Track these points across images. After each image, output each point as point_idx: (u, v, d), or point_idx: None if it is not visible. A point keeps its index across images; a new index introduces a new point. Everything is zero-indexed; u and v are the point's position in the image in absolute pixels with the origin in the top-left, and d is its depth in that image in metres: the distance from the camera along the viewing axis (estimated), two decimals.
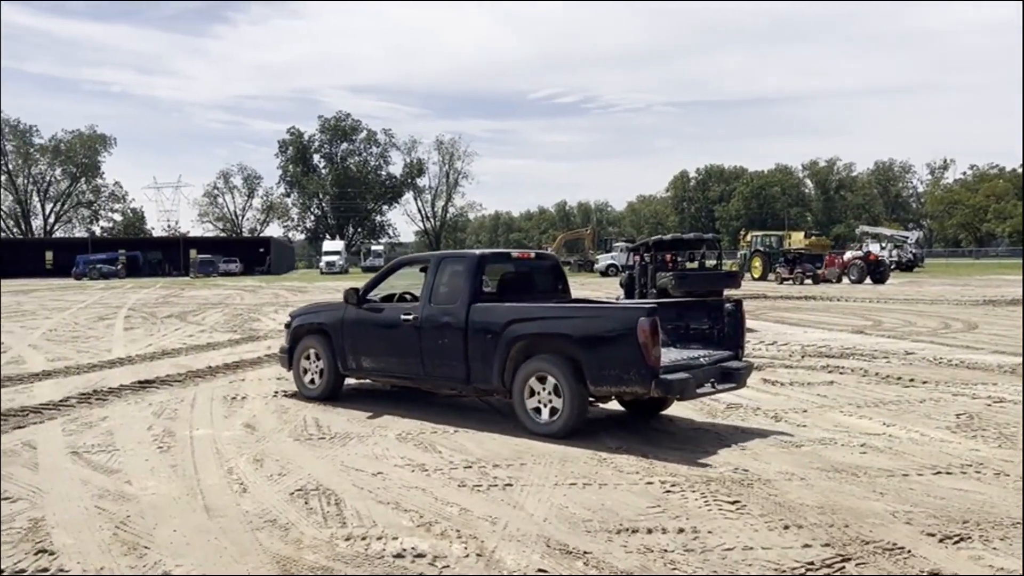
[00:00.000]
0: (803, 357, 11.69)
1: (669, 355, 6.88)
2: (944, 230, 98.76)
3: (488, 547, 4.31)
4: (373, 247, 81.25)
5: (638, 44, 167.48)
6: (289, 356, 8.98)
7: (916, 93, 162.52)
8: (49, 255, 74.58)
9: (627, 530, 4.54)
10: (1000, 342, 13.24)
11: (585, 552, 4.22)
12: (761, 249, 42.14)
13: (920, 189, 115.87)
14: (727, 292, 17.77)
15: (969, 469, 5.75)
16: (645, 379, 6.30)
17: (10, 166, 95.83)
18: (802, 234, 50.36)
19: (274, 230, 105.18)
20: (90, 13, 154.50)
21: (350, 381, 8.96)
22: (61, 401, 8.56)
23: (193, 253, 69.53)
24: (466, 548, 4.30)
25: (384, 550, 4.29)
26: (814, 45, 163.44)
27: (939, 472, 5.68)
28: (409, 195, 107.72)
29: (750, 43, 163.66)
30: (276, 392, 9.15)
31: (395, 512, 4.91)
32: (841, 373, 10.16)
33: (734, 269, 32.32)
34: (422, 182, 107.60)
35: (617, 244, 55.39)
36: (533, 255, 8.94)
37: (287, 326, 9.24)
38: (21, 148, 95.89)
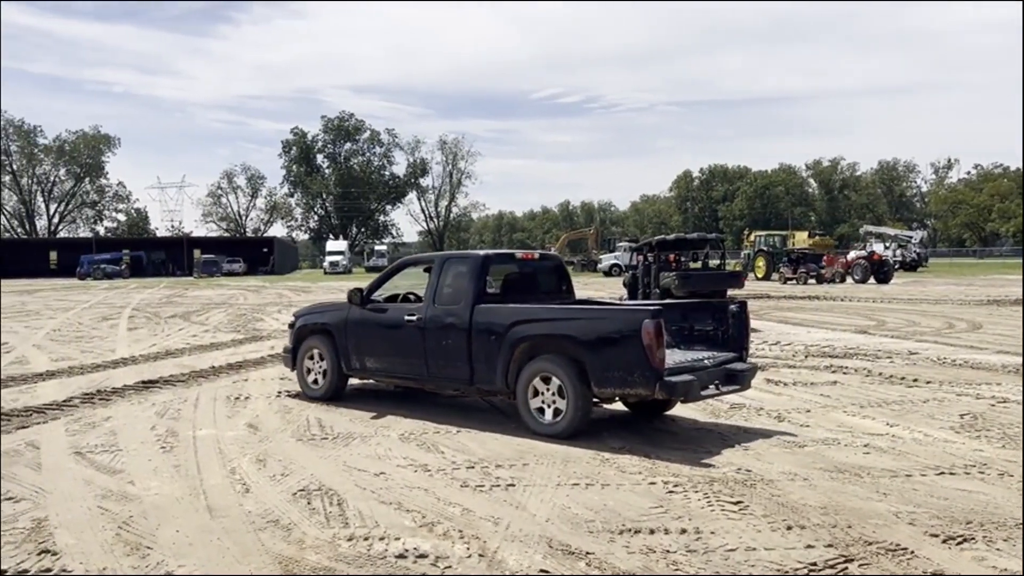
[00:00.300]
0: (806, 357, 11.67)
1: (673, 356, 6.87)
2: (948, 230, 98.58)
3: (490, 547, 4.31)
4: (377, 247, 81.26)
5: (640, 44, 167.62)
6: (293, 356, 8.98)
7: (919, 93, 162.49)
8: (53, 255, 74.71)
9: (629, 530, 4.54)
10: (1004, 342, 13.21)
11: (587, 553, 4.22)
12: (765, 249, 42.12)
13: (924, 189, 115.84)
14: (731, 292, 17.75)
15: (973, 470, 5.73)
16: (649, 381, 6.29)
17: (14, 166, 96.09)
18: (806, 234, 50.36)
19: (278, 230, 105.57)
20: (93, 13, 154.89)
21: (353, 381, 8.96)
22: (64, 401, 8.57)
23: (197, 253, 69.61)
24: (468, 549, 4.30)
25: (386, 550, 4.29)
26: (816, 45, 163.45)
27: (942, 473, 5.67)
28: (412, 195, 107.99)
29: (753, 43, 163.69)
30: (279, 392, 9.16)
31: (397, 512, 4.91)
32: (844, 373, 10.14)
33: (737, 269, 32.31)
34: (425, 182, 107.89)
35: (621, 244, 55.36)
36: (537, 256, 8.94)
37: (291, 326, 9.25)
38: (25, 148, 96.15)
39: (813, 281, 35.00)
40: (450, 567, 4.09)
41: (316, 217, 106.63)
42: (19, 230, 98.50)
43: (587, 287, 30.59)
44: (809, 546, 4.29)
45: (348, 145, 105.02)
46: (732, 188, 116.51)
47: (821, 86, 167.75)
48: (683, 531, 4.52)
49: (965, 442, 6.57)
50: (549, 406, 6.82)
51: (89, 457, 6.32)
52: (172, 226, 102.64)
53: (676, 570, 4.01)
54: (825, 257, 36.82)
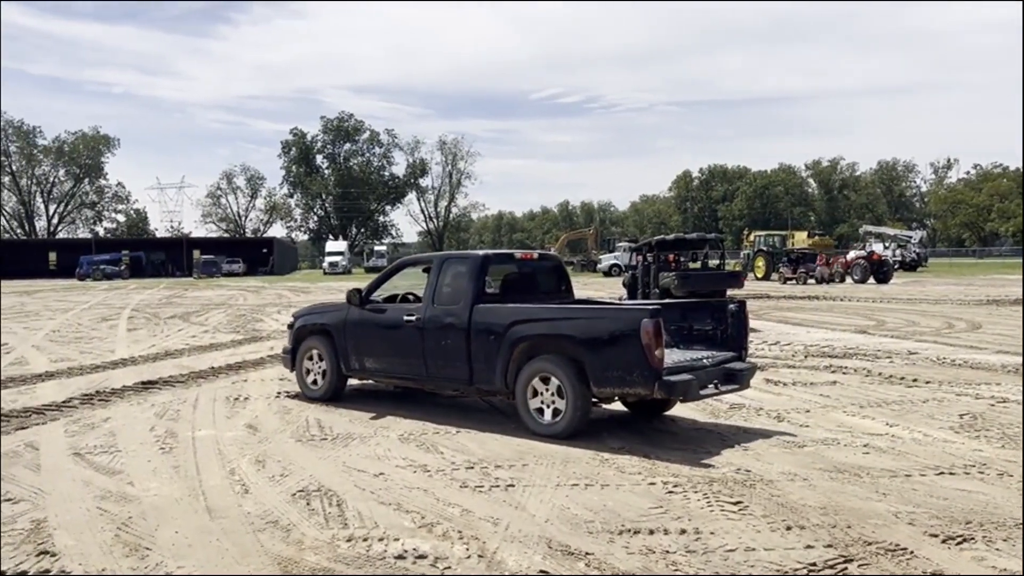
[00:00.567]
0: (806, 357, 11.67)
1: (672, 356, 6.87)
2: (948, 229, 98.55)
3: (490, 548, 4.31)
4: (376, 247, 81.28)
5: (640, 44, 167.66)
6: (292, 357, 8.98)
7: (919, 92, 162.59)
8: (53, 256, 74.75)
9: (629, 531, 4.53)
10: (1004, 342, 13.20)
11: (587, 553, 4.22)
12: (764, 249, 42.13)
13: (924, 189, 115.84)
14: (730, 292, 17.75)
15: (972, 470, 5.73)
16: (648, 380, 6.29)
17: (14, 167, 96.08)
18: (805, 234, 50.37)
19: (277, 231, 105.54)
20: (92, 14, 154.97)
21: (352, 381, 8.95)
22: (64, 402, 8.57)
23: (196, 254, 69.68)
24: (468, 549, 4.30)
25: (386, 551, 4.29)
26: (816, 45, 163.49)
27: (942, 473, 5.67)
28: (412, 195, 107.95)
29: (752, 43, 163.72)
30: (278, 393, 9.16)
31: (397, 513, 4.91)
32: (844, 373, 10.13)
33: (737, 269, 32.31)
34: (425, 182, 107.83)
35: (620, 244, 55.37)
36: (536, 256, 8.94)
37: (290, 327, 9.24)
38: (25, 149, 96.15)
39: (812, 281, 35.03)
40: (449, 568, 4.08)
41: (315, 217, 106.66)
42: (18, 231, 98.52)
43: (587, 287, 30.58)
44: (808, 546, 4.29)
45: (347, 145, 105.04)
46: (732, 188, 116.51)
47: (821, 86, 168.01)
48: (683, 531, 4.52)
49: (965, 442, 6.56)
50: (548, 406, 6.82)
51: (88, 458, 6.32)
52: (171, 227, 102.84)
53: (675, 570, 4.01)
54: (819, 258, 36.77)
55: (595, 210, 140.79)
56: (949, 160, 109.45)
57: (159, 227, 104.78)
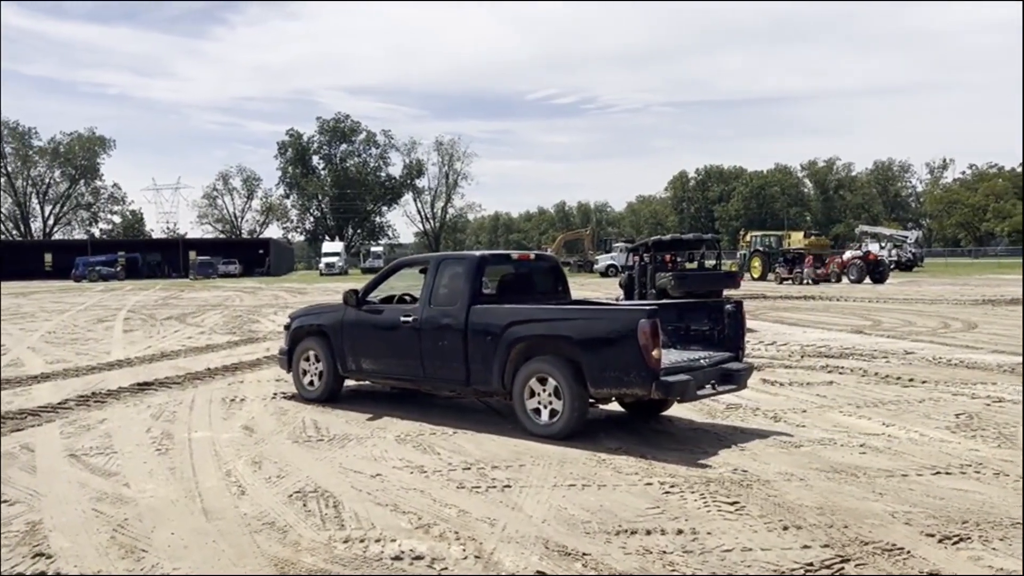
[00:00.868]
0: (802, 357, 11.68)
1: (669, 356, 6.87)
2: (943, 229, 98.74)
3: (487, 549, 4.31)
4: (373, 248, 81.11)
5: (636, 44, 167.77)
6: (288, 358, 8.96)
7: (915, 93, 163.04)
8: (48, 257, 74.61)
9: (626, 531, 4.53)
10: (999, 342, 13.23)
11: (584, 553, 4.21)
12: (760, 249, 42.14)
13: (919, 189, 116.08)
14: (726, 292, 17.76)
15: (968, 469, 5.74)
16: (645, 381, 6.29)
17: (9, 168, 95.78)
18: (801, 234, 50.33)
19: (273, 231, 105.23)
20: (87, 15, 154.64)
21: (349, 382, 8.94)
22: (59, 403, 8.55)
23: (192, 255, 69.50)
24: (465, 550, 4.30)
25: (382, 552, 4.28)
26: (813, 45, 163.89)
27: (938, 472, 5.68)
28: (408, 196, 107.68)
29: (749, 43, 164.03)
30: (275, 394, 9.14)
31: (393, 514, 4.90)
32: (840, 373, 10.15)
33: (733, 269, 32.33)
34: (421, 183, 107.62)
35: (617, 245, 55.41)
36: (533, 256, 8.94)
37: (286, 328, 9.23)
38: (20, 150, 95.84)
39: (809, 281, 35.07)
40: (446, 568, 4.08)
41: (312, 218, 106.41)
42: (14, 232, 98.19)
43: (583, 288, 30.58)
44: (805, 546, 4.29)
45: (344, 146, 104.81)
46: (728, 188, 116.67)
47: (816, 86, 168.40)
48: (679, 532, 4.52)
49: (961, 442, 6.58)
50: (545, 407, 6.82)
51: (84, 460, 6.30)
52: (168, 228, 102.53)
53: (672, 571, 4.01)
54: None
55: (592, 210, 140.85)
56: (945, 160, 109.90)
57: (155, 228, 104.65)
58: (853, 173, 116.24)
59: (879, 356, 11.61)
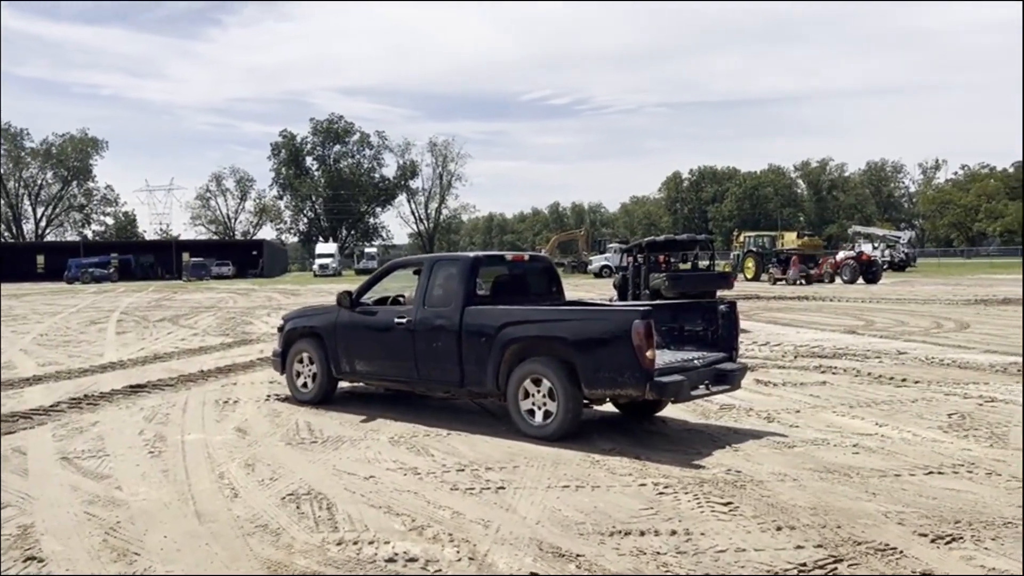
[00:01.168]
0: (796, 357, 11.71)
1: (663, 357, 6.88)
2: (936, 230, 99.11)
3: (480, 550, 4.30)
4: (366, 249, 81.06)
5: (630, 45, 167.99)
6: (282, 360, 8.93)
7: (908, 93, 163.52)
8: (41, 259, 74.20)
9: (620, 532, 4.53)
10: (992, 341, 13.28)
11: (578, 555, 4.21)
12: (754, 250, 42.23)
13: (912, 189, 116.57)
14: (720, 293, 17.80)
15: (961, 469, 5.76)
16: (640, 381, 6.29)
17: (1, 170, 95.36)
18: (795, 234, 50.49)
19: (267, 233, 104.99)
20: (80, 16, 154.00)
21: (343, 384, 8.93)
22: (52, 406, 8.51)
23: (185, 256, 69.33)
24: (458, 552, 4.29)
25: (376, 554, 4.28)
26: (806, 46, 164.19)
27: (931, 472, 5.69)
28: (402, 197, 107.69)
29: (742, 44, 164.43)
30: (268, 396, 9.12)
31: (387, 516, 4.89)
32: (834, 373, 10.17)
33: (727, 270, 32.39)
34: (415, 184, 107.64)
35: (611, 245, 55.39)
36: (527, 257, 8.94)
37: (280, 329, 9.20)
38: (12, 152, 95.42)
39: (802, 281, 35.15)
40: (440, 570, 4.08)
41: (305, 220, 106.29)
42: (6, 234, 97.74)
43: (578, 288, 30.59)
44: (799, 547, 4.30)
45: (337, 147, 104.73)
46: (721, 189, 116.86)
47: (811, 87, 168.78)
48: (673, 532, 4.52)
49: (953, 441, 6.60)
50: (540, 408, 6.81)
51: (76, 462, 6.27)
52: (161, 229, 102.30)
53: (666, 571, 4.01)
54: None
55: (585, 211, 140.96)
56: (937, 161, 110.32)
57: (148, 230, 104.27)
58: (846, 174, 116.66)
59: (872, 356, 11.65)
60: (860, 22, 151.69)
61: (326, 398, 8.56)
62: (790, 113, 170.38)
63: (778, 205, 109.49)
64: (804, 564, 4.06)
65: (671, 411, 7.67)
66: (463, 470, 5.89)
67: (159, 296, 35.37)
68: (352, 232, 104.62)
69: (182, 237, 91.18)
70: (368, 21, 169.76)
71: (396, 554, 4.27)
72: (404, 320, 7.76)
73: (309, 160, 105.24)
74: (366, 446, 6.69)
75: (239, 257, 72.26)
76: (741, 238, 46.21)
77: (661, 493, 5.25)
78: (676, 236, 23.14)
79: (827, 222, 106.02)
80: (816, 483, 5.45)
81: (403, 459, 6.24)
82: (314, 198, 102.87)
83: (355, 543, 4.44)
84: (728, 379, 7.16)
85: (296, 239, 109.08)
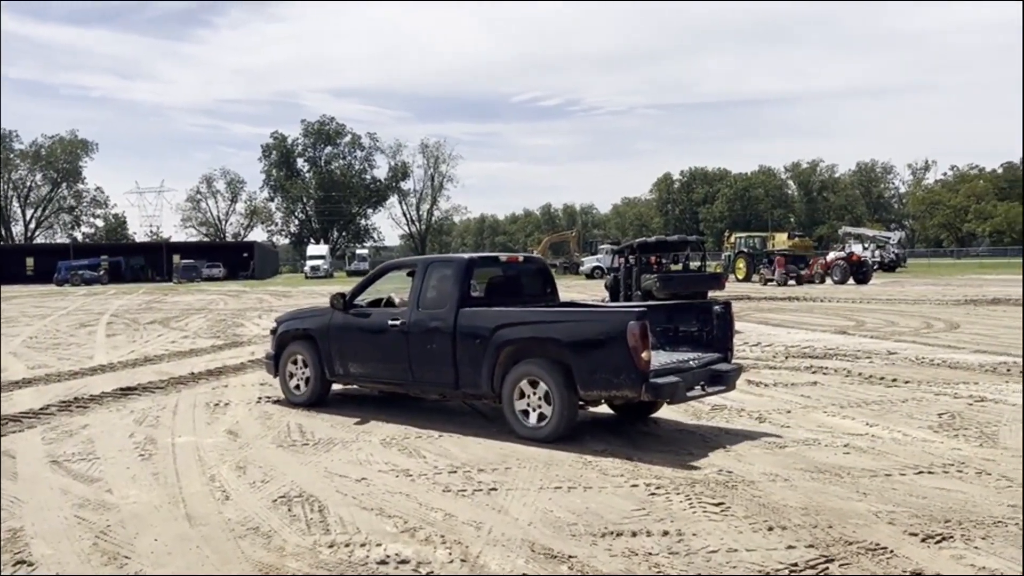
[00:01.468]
0: (787, 358, 11.74)
1: (659, 358, 6.87)
2: (925, 230, 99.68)
3: (472, 552, 4.30)
4: (358, 251, 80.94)
5: (620, 46, 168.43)
6: (275, 362, 8.90)
7: (897, 94, 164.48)
8: (30, 261, 73.86)
9: (612, 533, 4.54)
10: (981, 341, 13.35)
11: (570, 556, 4.22)
12: (745, 250, 42.34)
13: (902, 190, 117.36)
14: (711, 294, 17.85)
15: (951, 468, 5.79)
16: (635, 383, 6.28)
17: None
18: (785, 235, 50.66)
19: (258, 235, 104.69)
20: (68, 17, 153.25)
21: (335, 386, 8.90)
22: (41, 409, 8.46)
23: (176, 258, 69.08)
24: (450, 553, 4.29)
25: (368, 557, 4.27)
26: (796, 47, 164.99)
27: (921, 472, 5.72)
28: (394, 199, 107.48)
29: (732, 45, 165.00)
30: (259, 398, 9.09)
31: (379, 518, 4.88)
32: (824, 374, 10.21)
33: (718, 271, 32.46)
34: (407, 186, 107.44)
35: (602, 246, 55.46)
36: (521, 259, 8.92)
37: (273, 332, 9.17)
38: (1, 154, 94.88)
39: (793, 282, 35.27)
40: (432, 572, 4.07)
41: (296, 221, 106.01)
42: None
43: (569, 290, 30.61)
44: (790, 547, 4.31)
45: (328, 149, 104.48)
46: (712, 190, 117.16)
47: (802, 88, 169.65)
48: (665, 533, 4.53)
49: (943, 441, 6.63)
50: (535, 409, 6.79)
51: (66, 466, 6.24)
52: (151, 231, 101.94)
53: (658, 572, 4.02)
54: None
55: (577, 212, 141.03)
56: (927, 162, 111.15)
57: (138, 232, 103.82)
58: (836, 174, 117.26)
59: (862, 356, 11.69)
60: (850, 23, 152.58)
61: (320, 401, 8.53)
62: (780, 114, 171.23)
63: (769, 206, 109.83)
64: (795, 564, 4.07)
65: (663, 412, 7.68)
66: (455, 472, 5.88)
67: (149, 298, 35.22)
68: (343, 234, 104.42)
69: (173, 239, 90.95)
70: (359, 22, 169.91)
71: (388, 556, 4.26)
72: (398, 322, 7.74)
73: (300, 162, 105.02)
74: (358, 448, 6.68)
75: (230, 259, 72.05)
76: (732, 239, 46.30)
77: (653, 494, 5.26)
78: (667, 237, 23.21)
79: (817, 223, 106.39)
80: (807, 483, 5.47)
81: (395, 461, 6.23)
82: (305, 200, 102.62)
83: (347, 545, 4.43)
84: (723, 380, 7.17)
85: (287, 241, 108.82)
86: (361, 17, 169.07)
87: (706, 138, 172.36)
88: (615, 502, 5.11)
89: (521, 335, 6.97)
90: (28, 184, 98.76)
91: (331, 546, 4.42)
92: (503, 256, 8.87)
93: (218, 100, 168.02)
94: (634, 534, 4.52)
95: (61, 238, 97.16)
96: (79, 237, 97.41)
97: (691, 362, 7.04)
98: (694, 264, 21.33)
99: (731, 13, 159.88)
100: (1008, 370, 10.11)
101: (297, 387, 8.64)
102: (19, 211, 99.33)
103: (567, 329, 6.74)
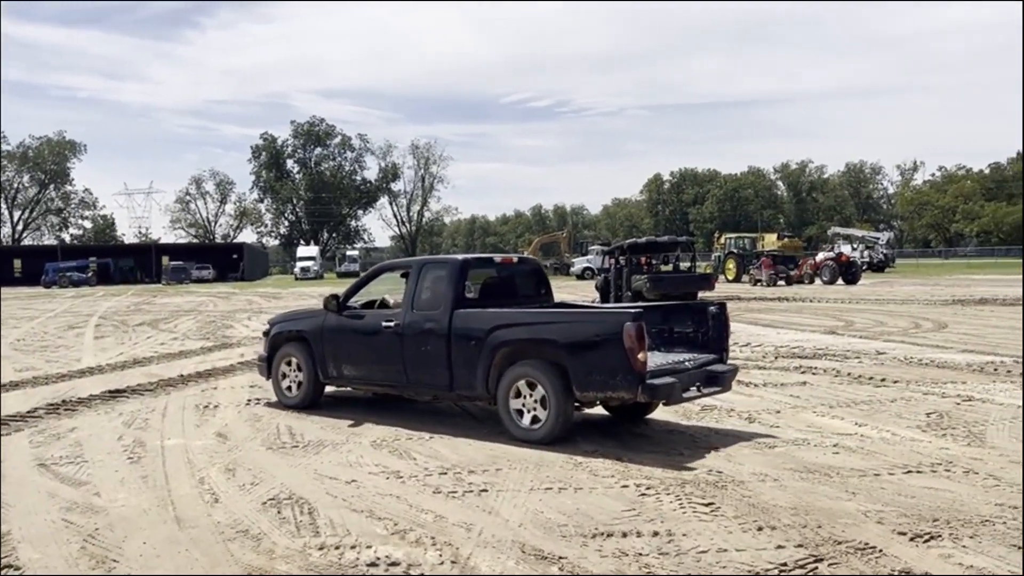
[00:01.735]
0: (776, 358, 11.78)
1: (654, 359, 6.85)
2: (914, 231, 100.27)
3: (463, 554, 4.29)
4: (348, 252, 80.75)
5: (610, 47, 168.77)
6: (268, 364, 8.83)
7: (886, 95, 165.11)
8: (18, 263, 73.32)
9: (602, 534, 4.54)
10: (969, 341, 13.44)
11: (560, 557, 4.22)
12: (735, 251, 42.48)
13: (890, 190, 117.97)
14: (701, 294, 17.90)
15: (939, 468, 5.82)
16: (632, 384, 6.28)
17: None
18: (775, 236, 50.84)
19: (247, 236, 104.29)
20: (56, 17, 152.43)
21: (327, 388, 8.87)
22: (28, 412, 8.40)
23: (165, 260, 68.72)
24: (441, 555, 4.28)
25: (358, 559, 4.26)
26: (785, 48, 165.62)
27: (910, 471, 5.75)
28: (384, 200, 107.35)
29: (722, 46, 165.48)
30: (249, 400, 9.06)
31: (369, 520, 4.87)
32: (814, 374, 10.25)
33: (708, 271, 32.54)
34: (397, 187, 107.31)
35: (593, 247, 55.51)
36: (516, 260, 8.90)
37: (265, 334, 9.10)
38: None
39: (783, 283, 35.39)
40: (423, 574, 4.06)
41: (286, 223, 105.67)
42: None
43: (560, 291, 30.64)
44: (780, 546, 4.32)
45: (318, 150, 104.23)
46: (702, 191, 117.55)
47: (791, 89, 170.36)
48: (655, 533, 4.53)
49: (932, 441, 6.67)
50: (531, 411, 6.77)
51: (54, 469, 6.20)
52: (140, 233, 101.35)
53: (648, 572, 4.02)
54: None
55: (568, 213, 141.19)
56: (915, 162, 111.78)
57: (127, 233, 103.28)
58: (825, 175, 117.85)
59: (852, 356, 11.75)
60: (838, 25, 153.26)
61: (313, 403, 8.49)
62: (770, 115, 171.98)
63: (758, 207, 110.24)
64: (785, 564, 4.09)
65: (654, 412, 7.69)
66: (446, 473, 5.87)
67: (138, 300, 35.05)
68: (334, 235, 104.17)
69: (162, 241, 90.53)
70: (348, 23, 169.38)
71: (378, 558, 4.25)
72: (392, 324, 7.71)
73: (290, 163, 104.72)
74: (348, 450, 6.66)
75: (219, 260, 71.70)
76: (722, 240, 46.45)
77: (643, 494, 5.27)
78: (657, 238, 23.25)
79: (807, 223, 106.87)
80: (797, 483, 5.49)
81: (385, 463, 6.22)
82: (295, 201, 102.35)
83: (337, 548, 4.41)
84: (719, 381, 7.16)
85: (277, 242, 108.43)
86: (350, 18, 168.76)
87: (696, 139, 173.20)
88: (605, 503, 5.11)
89: (517, 336, 6.95)
90: (15, 185, 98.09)
91: (321, 548, 4.41)
92: (497, 257, 8.82)
93: (207, 101, 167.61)
94: (624, 535, 4.53)
95: (49, 240, 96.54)
96: (67, 239, 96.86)
97: (687, 363, 7.03)
98: (684, 265, 21.38)
99: (721, 14, 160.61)
100: (995, 369, 10.18)
101: (290, 389, 8.61)
102: (6, 212, 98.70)
103: (563, 330, 6.73)
